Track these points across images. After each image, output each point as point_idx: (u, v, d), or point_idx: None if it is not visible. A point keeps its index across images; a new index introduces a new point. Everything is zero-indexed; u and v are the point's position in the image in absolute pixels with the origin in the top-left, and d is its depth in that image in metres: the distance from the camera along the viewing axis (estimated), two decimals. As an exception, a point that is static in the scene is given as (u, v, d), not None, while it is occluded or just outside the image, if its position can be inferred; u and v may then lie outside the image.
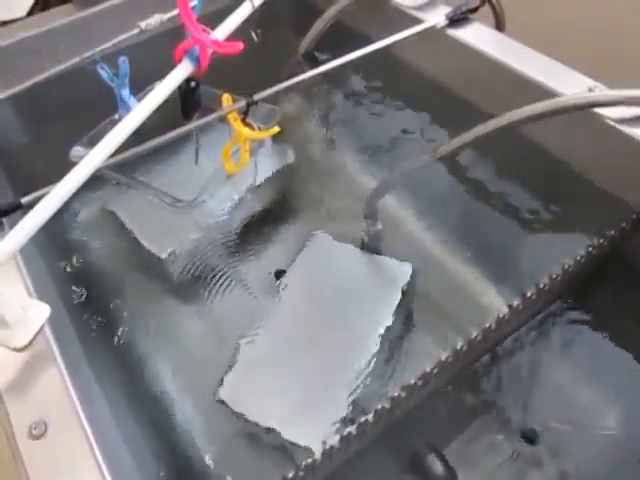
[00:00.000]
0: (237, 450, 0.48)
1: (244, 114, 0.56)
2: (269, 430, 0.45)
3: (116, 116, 0.64)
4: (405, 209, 0.64)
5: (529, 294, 0.50)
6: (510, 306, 0.49)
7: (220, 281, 0.60)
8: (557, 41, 0.68)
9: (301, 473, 0.41)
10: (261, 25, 0.61)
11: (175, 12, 0.70)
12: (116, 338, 0.54)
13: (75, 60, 0.67)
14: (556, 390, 0.53)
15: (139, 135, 0.51)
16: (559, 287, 0.53)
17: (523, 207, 0.62)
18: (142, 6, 0.72)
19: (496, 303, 0.53)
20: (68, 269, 0.60)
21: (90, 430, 0.35)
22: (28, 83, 0.67)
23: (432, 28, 0.68)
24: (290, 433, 0.45)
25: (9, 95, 0.67)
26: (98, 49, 0.67)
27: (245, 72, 0.70)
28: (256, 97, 0.57)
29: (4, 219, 0.48)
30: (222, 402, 0.47)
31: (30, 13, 0.84)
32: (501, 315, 0.48)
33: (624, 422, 0.51)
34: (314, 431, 0.44)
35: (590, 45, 0.84)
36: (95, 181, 0.48)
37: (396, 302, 0.52)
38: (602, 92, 0.53)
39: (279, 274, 0.59)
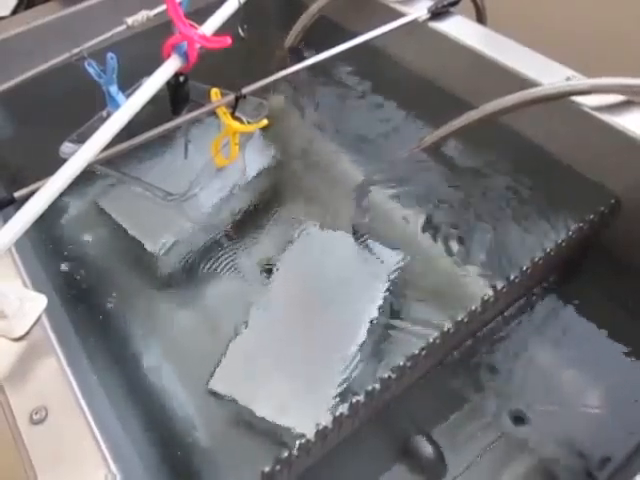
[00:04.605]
0: (231, 434, 0.48)
1: (233, 108, 0.57)
2: (263, 414, 0.46)
3: (104, 113, 0.64)
4: (392, 198, 0.65)
5: (513, 277, 0.52)
6: (494, 289, 0.51)
7: (212, 273, 0.61)
8: (537, 32, 0.70)
9: (295, 453, 0.42)
10: (247, 20, 0.61)
11: (162, 8, 0.71)
12: (111, 327, 0.55)
13: (62, 57, 0.67)
14: (542, 372, 0.54)
15: (129, 130, 0.52)
16: (542, 270, 0.55)
17: (505, 194, 0.63)
18: (129, 2, 0.73)
19: (481, 286, 0.54)
20: (62, 262, 0.60)
21: (90, 414, 0.36)
22: (16, 80, 0.67)
23: (414, 21, 0.69)
24: (283, 416, 0.46)
25: (-3, 93, 0.67)
26: (85, 46, 0.67)
27: (233, 67, 0.71)
28: (244, 91, 0.57)
29: (-2, 214, 0.48)
30: (215, 389, 0.48)
31: (15, 12, 0.84)
32: (486, 298, 0.50)
33: (608, 401, 0.52)
34: (307, 413, 0.45)
35: (569, 36, 0.85)
36: (86, 176, 0.48)
37: (385, 288, 0.54)
38: (578, 81, 0.55)
39: (271, 266, 0.60)
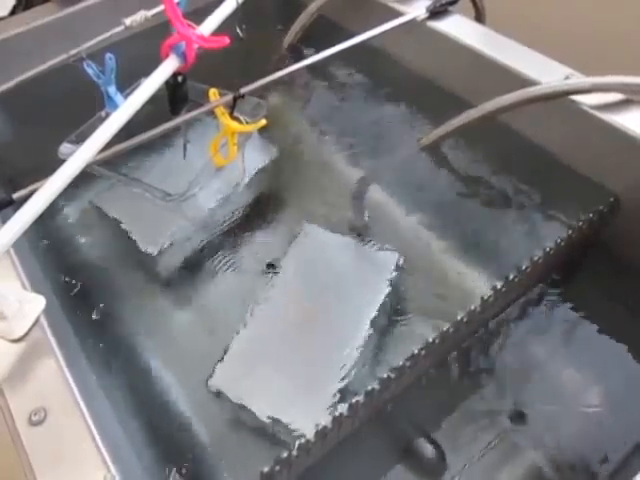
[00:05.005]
0: (230, 434, 0.48)
1: (231, 108, 0.57)
2: (262, 414, 0.46)
3: (103, 113, 0.64)
4: (391, 198, 0.65)
5: (512, 277, 0.51)
6: (494, 288, 0.50)
7: (211, 273, 0.61)
8: (536, 31, 0.70)
9: (294, 453, 0.42)
10: (246, 20, 0.62)
11: (160, 8, 0.71)
12: (110, 328, 0.55)
13: (61, 58, 0.67)
14: (541, 371, 0.54)
15: (128, 130, 0.52)
16: (541, 270, 0.55)
17: (504, 193, 0.63)
18: (127, 3, 0.73)
19: (481, 286, 0.54)
20: (60, 263, 0.60)
21: (89, 415, 0.36)
22: (15, 81, 0.67)
23: (413, 20, 0.69)
24: (283, 416, 0.46)
25: (-4, 94, 0.67)
26: (84, 47, 0.67)
27: (231, 67, 0.71)
28: (243, 91, 0.57)
29: (-4, 215, 0.48)
30: (215, 389, 0.48)
31: (13, 12, 0.83)
32: (485, 297, 0.50)
33: (608, 401, 0.52)
34: (307, 413, 0.45)
35: (568, 35, 0.85)
36: (85, 177, 0.48)
37: (385, 288, 0.54)
38: (577, 80, 0.55)
39: (270, 267, 0.61)
